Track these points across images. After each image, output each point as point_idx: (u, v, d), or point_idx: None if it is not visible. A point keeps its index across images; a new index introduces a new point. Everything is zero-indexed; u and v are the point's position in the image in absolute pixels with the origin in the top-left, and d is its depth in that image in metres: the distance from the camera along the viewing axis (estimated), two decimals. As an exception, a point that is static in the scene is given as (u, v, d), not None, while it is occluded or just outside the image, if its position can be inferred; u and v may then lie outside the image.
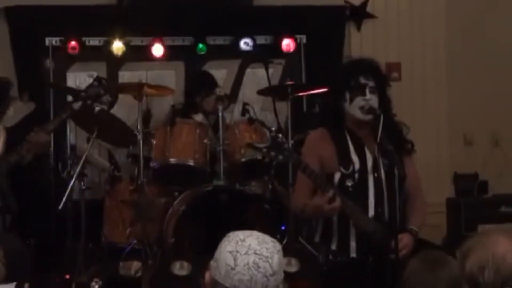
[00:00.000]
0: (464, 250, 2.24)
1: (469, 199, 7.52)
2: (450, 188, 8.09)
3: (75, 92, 6.05)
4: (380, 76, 4.28)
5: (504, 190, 7.63)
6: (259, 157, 6.33)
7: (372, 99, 4.15)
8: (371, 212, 4.11)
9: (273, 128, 6.67)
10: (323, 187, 3.98)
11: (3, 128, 5.16)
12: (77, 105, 4.72)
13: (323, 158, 4.17)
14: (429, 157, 7.44)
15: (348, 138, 4.21)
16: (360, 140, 4.21)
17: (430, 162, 7.47)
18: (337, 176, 4.14)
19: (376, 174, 4.13)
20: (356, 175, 4.13)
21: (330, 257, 4.18)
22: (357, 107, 4.15)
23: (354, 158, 4.16)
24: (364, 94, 4.16)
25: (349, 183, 4.12)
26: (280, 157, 3.95)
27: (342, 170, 4.13)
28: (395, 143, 4.15)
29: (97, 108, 4.86)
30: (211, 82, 7.11)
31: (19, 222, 5.07)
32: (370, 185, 4.14)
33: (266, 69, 7.10)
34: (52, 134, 5.49)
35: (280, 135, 4.03)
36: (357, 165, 4.14)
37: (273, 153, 3.94)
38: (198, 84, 7.13)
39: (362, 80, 4.19)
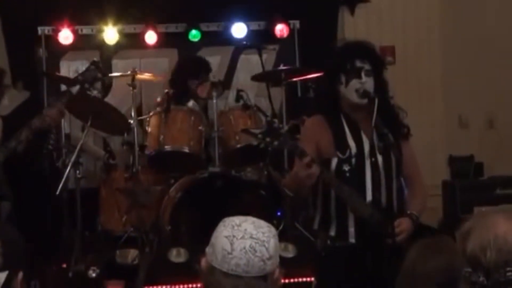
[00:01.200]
0: (463, 231, 2.23)
1: (465, 181, 7.54)
2: (446, 171, 8.11)
3: (69, 81, 6.04)
4: (375, 59, 4.26)
5: (499, 172, 7.65)
6: (254, 143, 6.33)
7: (367, 82, 4.14)
8: (369, 196, 4.10)
9: (269, 114, 6.70)
10: (301, 155, 3.93)
11: (-2, 116, 5.16)
12: (74, 89, 4.70)
13: (320, 145, 4.15)
14: (424, 140, 7.44)
15: (344, 122, 4.19)
16: (356, 124, 4.19)
17: (425, 144, 7.47)
18: (334, 161, 4.12)
19: (373, 159, 4.12)
20: (353, 160, 4.11)
21: (329, 242, 4.18)
22: (353, 89, 4.13)
23: (351, 142, 4.14)
24: (360, 77, 4.14)
25: (346, 167, 4.10)
26: (276, 142, 3.93)
27: (339, 155, 4.11)
28: (391, 127, 4.14)
29: (94, 92, 4.85)
30: (206, 67, 7.10)
31: (15, 212, 5.07)
32: (367, 169, 4.12)
33: (260, 55, 7.09)
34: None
35: (276, 121, 4.01)
36: (353, 150, 4.12)
37: (268, 139, 3.92)
38: (194, 69, 7.09)
39: (358, 63, 4.16)
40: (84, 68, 4.89)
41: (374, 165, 4.12)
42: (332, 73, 4.26)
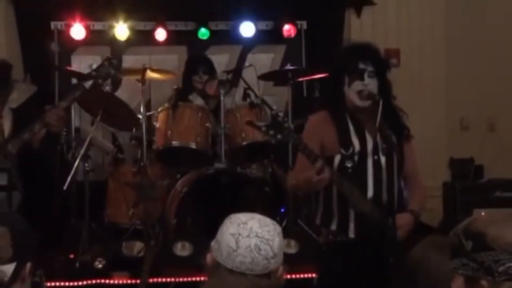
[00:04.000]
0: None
1: (465, 183, 7.53)
2: (447, 172, 8.11)
3: (81, 75, 6.05)
4: (379, 61, 4.25)
5: (499, 174, 7.64)
6: (260, 140, 6.34)
7: (370, 84, 4.13)
8: (370, 193, 4.10)
9: (275, 107, 6.70)
10: (314, 160, 3.94)
11: (9, 109, 5.16)
12: (88, 84, 4.71)
13: (325, 141, 4.15)
14: (426, 142, 7.44)
15: (349, 120, 4.19)
16: (360, 123, 4.19)
17: (427, 146, 7.47)
18: (337, 158, 4.12)
19: (376, 157, 4.12)
20: (356, 157, 4.10)
21: (330, 237, 4.18)
22: (355, 91, 4.13)
23: (355, 140, 4.14)
24: (362, 79, 4.14)
25: (348, 164, 4.09)
26: (279, 136, 3.91)
27: (342, 151, 4.11)
28: (394, 128, 4.14)
29: (107, 88, 4.84)
30: (208, 65, 7.13)
31: (26, 203, 5.07)
32: (369, 167, 4.12)
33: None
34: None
35: (281, 114, 4.00)
36: (357, 147, 4.12)
37: (272, 132, 3.90)
38: (195, 66, 7.13)
39: (361, 65, 4.16)
40: (96, 64, 4.89)
41: (377, 164, 4.12)
42: (336, 74, 4.27)
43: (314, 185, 3.98)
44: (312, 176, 3.91)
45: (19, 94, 6.38)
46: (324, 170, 3.89)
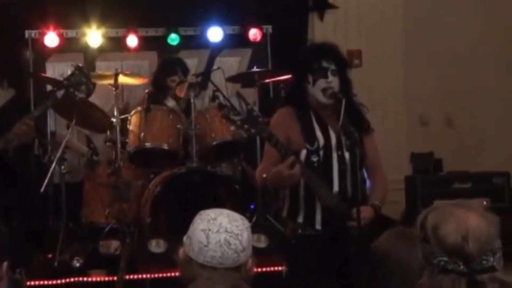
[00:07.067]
0: (432, 224, 2.24)
1: (425, 176, 7.57)
2: (408, 167, 8.16)
3: (55, 82, 6.00)
4: (340, 59, 4.26)
5: (457, 167, 7.69)
6: (229, 139, 6.34)
7: (333, 82, 4.14)
8: (336, 187, 4.10)
9: (250, 102, 6.68)
10: (286, 154, 3.93)
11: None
12: (60, 93, 4.68)
13: (290, 134, 4.14)
14: (388, 138, 7.46)
15: (313, 116, 4.19)
16: (323, 119, 4.19)
17: (389, 142, 7.49)
18: (303, 153, 4.11)
19: (340, 152, 4.12)
20: (321, 152, 4.10)
21: (300, 231, 4.17)
22: (319, 89, 4.14)
23: (319, 135, 4.13)
24: (326, 77, 4.14)
25: (314, 158, 4.09)
26: (253, 130, 3.89)
27: (308, 146, 4.10)
28: (355, 123, 4.15)
29: (78, 96, 4.82)
30: (184, 67, 7.12)
31: (2, 205, 5.02)
32: (334, 162, 4.11)
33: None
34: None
35: (256, 109, 3.98)
36: (321, 142, 4.11)
37: (246, 126, 3.88)
38: (172, 68, 7.10)
39: (324, 64, 4.16)
40: (69, 72, 4.85)
41: (341, 159, 4.12)
42: (300, 73, 4.26)
43: (285, 179, 3.96)
44: (283, 170, 3.90)
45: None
46: (295, 165, 3.88)
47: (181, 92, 6.73)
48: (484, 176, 7.12)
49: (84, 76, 4.70)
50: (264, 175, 4.14)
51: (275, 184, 4.17)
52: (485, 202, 6.68)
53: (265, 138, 4.04)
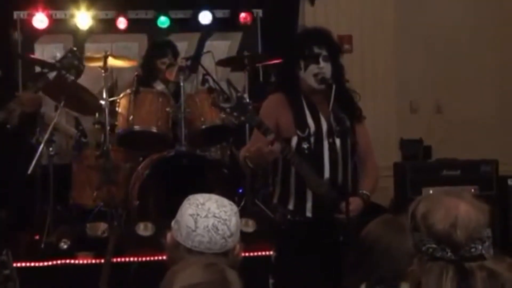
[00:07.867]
0: (423, 212, 2.24)
1: (414, 163, 7.56)
2: (398, 153, 8.15)
3: (44, 63, 5.96)
4: (332, 45, 4.24)
5: (446, 154, 7.68)
6: (218, 123, 6.32)
7: (325, 67, 4.11)
8: (327, 175, 4.09)
9: (240, 86, 6.66)
10: (266, 131, 3.91)
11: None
12: (51, 75, 4.67)
13: (280, 121, 4.12)
14: (378, 124, 7.44)
15: (304, 103, 4.17)
16: (315, 106, 4.17)
17: (379, 129, 7.47)
18: (294, 139, 4.09)
19: (331, 140, 4.10)
20: (312, 139, 4.09)
21: (289, 217, 4.15)
22: (311, 74, 4.11)
23: (310, 122, 4.11)
24: (318, 63, 4.12)
25: (305, 145, 4.08)
26: (243, 118, 3.88)
27: (299, 133, 4.09)
28: (347, 110, 4.12)
29: (70, 78, 4.80)
30: (174, 49, 7.09)
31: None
32: (325, 149, 4.10)
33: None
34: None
35: (246, 96, 3.96)
36: (312, 129, 4.09)
37: (236, 113, 3.86)
38: (162, 50, 7.08)
39: (316, 49, 4.14)
40: (60, 54, 4.83)
41: (332, 146, 4.11)
42: (291, 58, 4.24)
43: (264, 156, 3.92)
44: (262, 147, 3.87)
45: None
46: (275, 143, 3.85)
47: (170, 75, 6.70)
48: (472, 164, 7.11)
49: (76, 58, 4.69)
50: (247, 154, 4.11)
51: (255, 161, 4.12)
52: (473, 190, 6.67)
53: (254, 126, 4.02)
